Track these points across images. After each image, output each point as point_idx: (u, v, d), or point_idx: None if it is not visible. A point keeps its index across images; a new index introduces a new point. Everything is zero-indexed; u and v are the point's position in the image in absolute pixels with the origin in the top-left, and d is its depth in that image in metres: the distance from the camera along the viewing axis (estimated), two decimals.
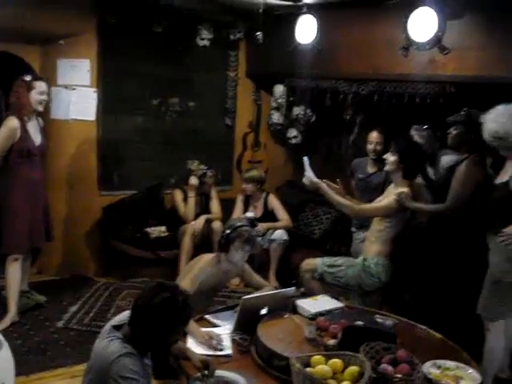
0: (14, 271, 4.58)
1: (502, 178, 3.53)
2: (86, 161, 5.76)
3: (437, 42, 4.37)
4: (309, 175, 4.19)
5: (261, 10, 5.03)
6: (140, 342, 2.49)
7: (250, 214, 5.79)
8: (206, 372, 2.74)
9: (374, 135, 4.97)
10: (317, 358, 2.56)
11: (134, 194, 6.04)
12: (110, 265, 5.93)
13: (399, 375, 2.51)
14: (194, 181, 5.81)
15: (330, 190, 4.20)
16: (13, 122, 4.40)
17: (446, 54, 4.36)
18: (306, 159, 4.19)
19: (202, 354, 2.95)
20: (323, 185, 4.19)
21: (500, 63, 4.05)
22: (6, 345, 2.83)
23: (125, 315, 2.62)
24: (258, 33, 5.45)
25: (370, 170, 5.05)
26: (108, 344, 2.48)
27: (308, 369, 2.49)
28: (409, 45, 4.57)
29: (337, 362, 2.54)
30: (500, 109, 3.46)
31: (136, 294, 2.62)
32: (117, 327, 2.57)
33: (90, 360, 2.60)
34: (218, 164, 6.29)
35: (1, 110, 5.71)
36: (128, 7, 5.45)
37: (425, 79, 4.69)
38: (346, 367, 2.52)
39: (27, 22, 4.89)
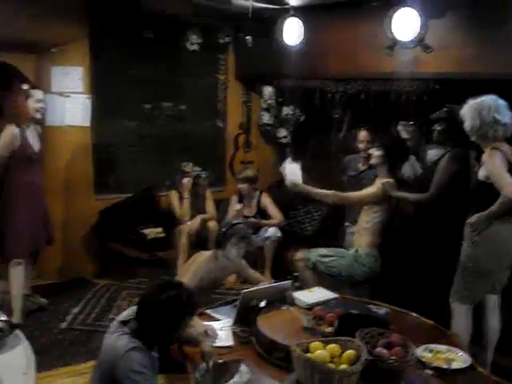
0: (17, 275, 4.65)
1: (477, 169, 3.70)
2: (81, 166, 5.85)
3: (420, 40, 4.51)
4: (290, 178, 4.33)
5: (249, 14, 5.14)
6: (147, 336, 2.59)
7: (238, 207, 6.02)
8: (212, 362, 2.86)
9: (363, 134, 5.09)
10: (315, 344, 2.66)
11: (129, 196, 6.13)
12: (107, 267, 6.00)
13: (394, 357, 2.63)
14: (188, 182, 5.94)
15: (309, 186, 4.36)
16: (12, 130, 4.51)
17: (429, 52, 4.49)
18: (288, 162, 4.33)
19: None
20: (303, 185, 4.35)
21: (480, 60, 4.18)
22: (24, 339, 2.91)
23: (131, 311, 2.72)
24: (247, 37, 5.58)
25: (362, 167, 5.17)
26: (117, 339, 2.59)
27: (307, 354, 2.59)
28: (393, 44, 4.69)
29: (334, 347, 2.64)
30: (472, 103, 3.60)
31: (135, 295, 2.69)
32: (124, 322, 2.68)
33: (99, 355, 2.70)
34: (210, 165, 6.43)
35: None
36: (118, 14, 5.57)
37: (409, 77, 4.81)
38: (343, 352, 2.62)
39: (21, 32, 4.99)
